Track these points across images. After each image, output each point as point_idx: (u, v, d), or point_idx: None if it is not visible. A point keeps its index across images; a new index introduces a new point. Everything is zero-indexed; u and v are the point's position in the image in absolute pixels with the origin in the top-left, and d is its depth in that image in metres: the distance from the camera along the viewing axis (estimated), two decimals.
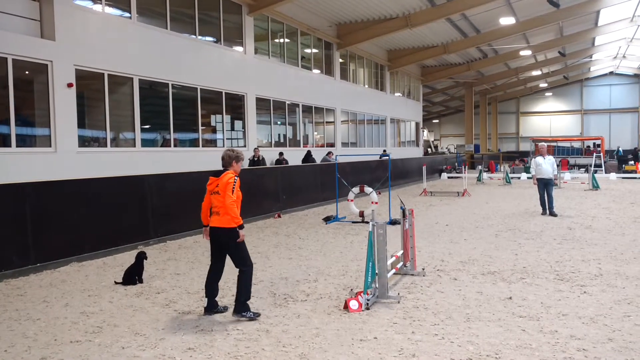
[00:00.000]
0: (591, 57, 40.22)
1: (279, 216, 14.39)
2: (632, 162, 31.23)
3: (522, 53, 31.35)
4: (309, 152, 20.53)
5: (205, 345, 5.01)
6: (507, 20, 24.31)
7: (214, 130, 17.06)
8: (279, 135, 20.72)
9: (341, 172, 15.35)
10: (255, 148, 17.10)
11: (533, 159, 14.77)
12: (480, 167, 30.21)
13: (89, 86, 13.17)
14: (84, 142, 12.82)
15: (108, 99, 13.00)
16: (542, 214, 13.77)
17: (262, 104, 19.05)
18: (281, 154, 18.52)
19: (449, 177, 30.62)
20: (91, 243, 9.26)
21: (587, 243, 9.85)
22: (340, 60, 24.68)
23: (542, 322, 5.48)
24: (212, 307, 5.92)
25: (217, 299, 6.03)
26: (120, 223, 9.96)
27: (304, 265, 8.35)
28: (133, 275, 7.36)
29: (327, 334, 5.23)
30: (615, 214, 13.88)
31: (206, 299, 5.95)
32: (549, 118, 52.37)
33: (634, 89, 49.15)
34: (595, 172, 24.61)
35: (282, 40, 20.52)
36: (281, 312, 5.96)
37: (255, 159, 16.85)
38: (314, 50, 22.81)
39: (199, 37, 16.04)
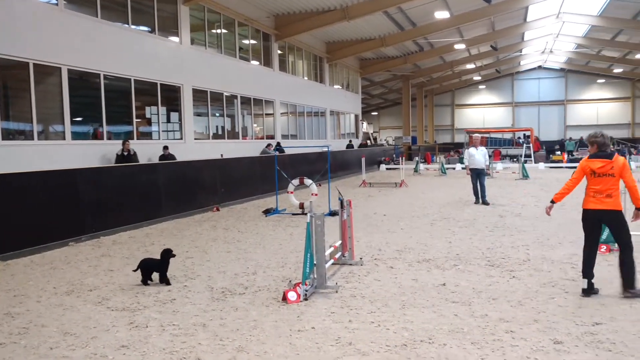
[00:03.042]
0: (521, 52, 41.82)
1: (218, 209, 14.20)
2: (559, 153, 32.81)
3: (456, 47, 32.20)
4: (278, 144, 21.73)
5: (140, 342, 4.89)
6: (441, 15, 24.90)
7: (149, 123, 16.59)
8: (217, 127, 20.41)
9: (281, 164, 15.32)
10: (124, 141, 14.23)
11: (466, 150, 15.24)
12: (417, 158, 30.93)
13: (13, 76, 12.50)
14: (8, 135, 12.18)
15: (34, 89, 12.37)
16: (475, 203, 14.24)
17: (200, 95, 18.69)
18: (166, 147, 15.46)
19: (387, 169, 31.17)
20: (17, 241, 8.83)
21: (517, 230, 10.27)
22: (279, 51, 24.54)
23: (474, 306, 5.67)
24: (591, 288, 5.91)
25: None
26: (49, 219, 9.54)
27: (242, 259, 8.29)
28: (150, 273, 6.85)
29: (265, 326, 5.21)
30: (543, 201, 14.51)
31: (586, 281, 5.92)
32: (482, 110, 54.12)
33: (561, 83, 51.53)
34: (526, 162, 25.68)
35: (219, 31, 20.17)
36: (219, 306, 5.89)
37: (125, 153, 13.91)
38: (252, 42, 22.57)
39: (132, 27, 15.52)
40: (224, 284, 6.79)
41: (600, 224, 6.20)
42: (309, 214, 6.30)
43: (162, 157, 15.41)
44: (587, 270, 5.96)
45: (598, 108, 50.62)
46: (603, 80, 49.58)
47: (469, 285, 6.47)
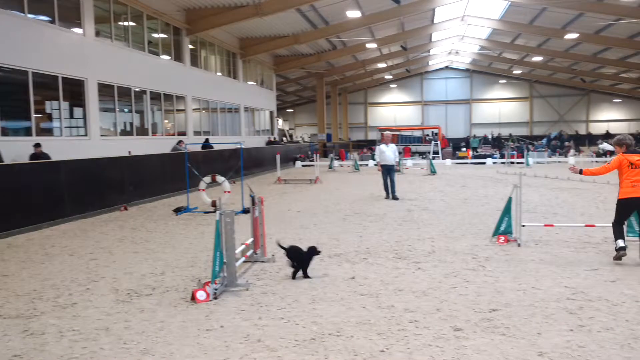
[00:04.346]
0: (429, 52, 43.47)
1: (125, 209, 13.67)
2: (464, 149, 34.45)
3: (368, 46, 32.93)
4: (207, 140, 21.64)
5: (35, 350, 4.60)
6: (353, 14, 25.39)
7: (50, 118, 15.66)
8: (125, 123, 19.61)
9: (194, 161, 14.98)
10: (35, 144, 13.41)
11: (377, 147, 15.64)
12: (331, 155, 31.37)
13: None
14: None
15: None
16: (385, 198, 14.65)
17: (106, 90, 17.87)
18: (38, 145, 13.47)
19: (303, 165, 31.36)
20: None
21: (424, 223, 10.67)
22: (191, 46, 23.98)
23: (381, 298, 5.83)
24: (625, 247, 6.97)
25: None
26: None
27: (150, 259, 8.03)
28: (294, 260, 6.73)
29: (172, 327, 5.08)
30: (448, 196, 15.19)
31: (621, 241, 7.04)
32: (394, 108, 55.77)
33: (466, 83, 54.12)
34: (434, 158, 26.75)
35: (126, 23, 19.38)
36: (123, 308, 5.67)
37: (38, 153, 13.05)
38: (162, 36, 21.89)
39: (29, 15, 14.56)
40: (130, 286, 6.55)
41: (634, 210, 7.36)
42: (218, 212, 6.21)
43: (33, 157, 13.25)
44: (621, 236, 7.10)
45: (500, 107, 53.68)
46: (504, 81, 52.60)
47: (377, 278, 6.64)
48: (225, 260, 6.22)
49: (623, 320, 5.03)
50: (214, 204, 12.80)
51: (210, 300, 5.83)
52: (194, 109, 24.92)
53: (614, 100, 51.60)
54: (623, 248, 7.03)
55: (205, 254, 8.17)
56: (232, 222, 6.30)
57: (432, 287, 6.19)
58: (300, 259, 6.75)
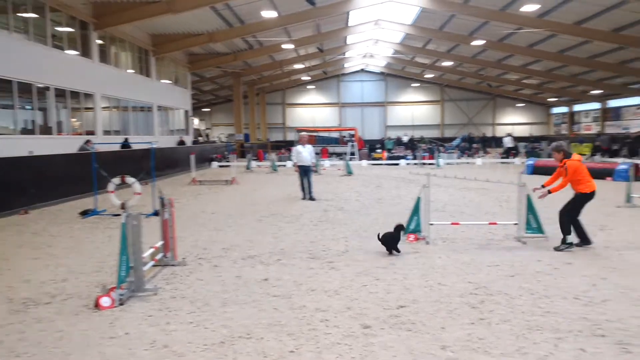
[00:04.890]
0: (344, 55, 44.16)
1: (26, 212, 12.83)
2: (380, 151, 35.32)
3: (284, 46, 32.93)
4: (126, 139, 20.68)
5: None
6: (269, 14, 25.30)
7: None
8: (26, 121, 18.41)
9: (102, 162, 14.30)
10: None
11: (294, 147, 15.68)
12: (249, 155, 31.10)
13: None
14: None
15: None
16: (302, 199, 14.71)
17: (4, 86, 16.69)
18: None
19: (219, 166, 30.86)
20: None
21: (339, 223, 10.81)
22: (100, 42, 22.93)
23: (293, 299, 5.84)
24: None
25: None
26: None
27: (52, 265, 7.58)
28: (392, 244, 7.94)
29: (72, 336, 4.82)
30: (363, 196, 15.49)
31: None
32: (312, 110, 56.18)
33: (381, 86, 55.50)
34: (351, 159, 27.20)
35: (26, 14, 18.20)
36: (18, 319, 5.31)
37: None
38: (68, 29, 20.77)
39: None
40: (26, 294, 6.14)
41: None
42: (123, 214, 5.96)
43: None
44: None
45: (413, 110, 55.49)
46: (417, 85, 54.43)
47: (290, 279, 6.64)
48: (132, 265, 5.99)
49: (519, 312, 5.33)
50: (123, 206, 12.28)
51: (116, 307, 5.58)
52: (103, 108, 23.85)
53: (517, 105, 54.82)
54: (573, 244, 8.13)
55: (113, 259, 7.81)
56: (139, 224, 6.08)
57: (344, 286, 6.28)
58: (391, 241, 8.01)
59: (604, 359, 4.28)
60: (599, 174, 18.09)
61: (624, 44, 26.24)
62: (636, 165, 18.42)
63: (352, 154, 33.06)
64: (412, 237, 8.77)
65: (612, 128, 42.84)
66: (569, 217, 8.23)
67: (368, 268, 7.11)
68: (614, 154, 32.52)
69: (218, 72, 41.46)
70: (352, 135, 37.43)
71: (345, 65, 50.87)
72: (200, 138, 48.61)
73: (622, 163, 20.14)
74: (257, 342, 4.61)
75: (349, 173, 23.27)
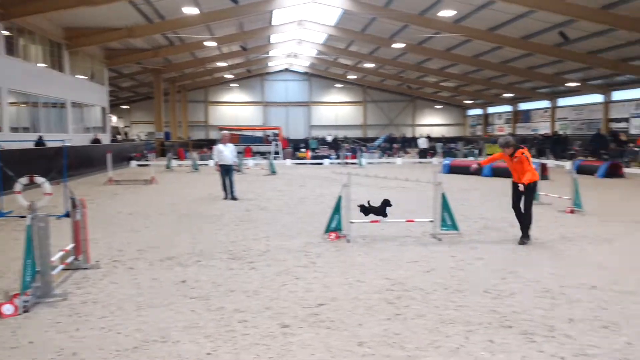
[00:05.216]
0: (268, 54, 44.04)
1: None
2: (304, 150, 35.50)
3: (206, 44, 32.37)
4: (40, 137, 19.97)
5: None
6: (190, 10, 24.76)
7: None
8: None
9: (8, 160, 13.45)
10: None
11: (215, 146, 15.44)
12: (170, 154, 30.30)
13: None
14: None
15: None
16: (224, 199, 14.50)
17: None
18: None
19: (138, 165, 29.85)
20: None
21: (261, 222, 10.75)
22: (6, 33, 21.54)
23: (211, 300, 5.73)
24: None
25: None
26: None
27: None
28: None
29: None
30: (287, 195, 15.50)
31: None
32: (235, 108, 55.59)
33: (305, 85, 55.84)
34: (275, 158, 27.14)
35: None
36: None
37: None
38: None
39: None
40: None
41: None
42: (28, 216, 5.63)
43: None
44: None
45: (337, 110, 56.24)
46: (341, 85, 55.19)
47: (209, 280, 6.52)
48: (39, 269, 5.66)
49: (434, 307, 5.52)
50: (30, 207, 11.60)
51: (19, 314, 5.26)
52: (10, 103, 22.43)
53: (436, 107, 56.86)
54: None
55: (18, 263, 7.33)
56: (46, 226, 5.77)
57: (264, 286, 6.24)
58: (373, 210, 9.31)
59: (510, 349, 4.50)
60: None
61: (532, 50, 27.87)
62: (542, 164, 19.63)
63: (276, 153, 33.02)
64: (333, 235, 8.87)
65: (523, 129, 45.37)
66: (531, 207, 8.68)
67: (289, 267, 7.11)
68: None
69: (138, 68, 40.14)
70: (276, 135, 37.37)
71: (270, 64, 50.75)
72: (118, 136, 46.90)
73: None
74: (173, 346, 4.49)
75: (273, 172, 23.21)
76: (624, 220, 10.84)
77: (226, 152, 14.61)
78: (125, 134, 52.22)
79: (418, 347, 4.52)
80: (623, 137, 28.74)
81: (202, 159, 30.35)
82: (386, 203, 9.35)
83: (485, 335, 4.79)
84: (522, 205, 8.66)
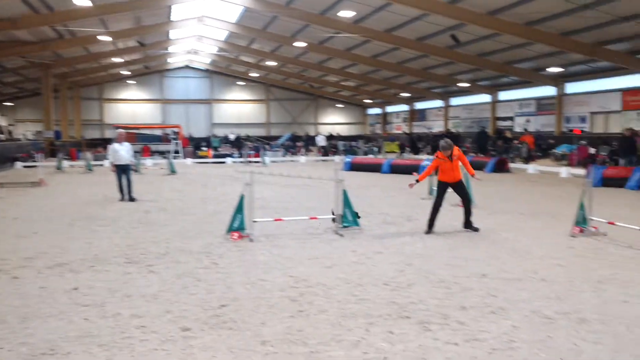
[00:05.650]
0: (167, 50, 42.67)
1: None
2: (205, 148, 34.83)
3: (100, 38, 30.75)
4: None
5: None
6: (82, 2, 23.40)
7: None
8: None
9: None
10: None
11: (111, 146, 14.74)
12: (60, 154, 28.49)
13: None
14: None
15: None
16: (120, 200, 13.88)
17: None
18: None
19: (25, 166, 27.80)
20: None
21: (160, 224, 10.39)
22: None
23: (107, 307, 5.46)
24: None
25: None
26: None
27: None
28: None
29: None
30: (187, 195, 15.12)
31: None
32: (132, 106, 53.31)
33: (207, 83, 54.67)
34: (175, 158, 26.37)
35: None
36: None
37: None
38: None
39: None
40: None
41: None
42: None
43: None
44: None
45: (240, 108, 55.61)
46: (243, 83, 54.63)
47: (104, 286, 6.20)
48: None
49: (336, 302, 5.62)
50: None
51: None
52: None
53: (337, 105, 57.90)
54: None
55: None
56: None
57: (163, 290, 6.04)
58: None
59: (408, 339, 4.68)
60: (407, 169, 19.90)
61: (426, 52, 29.16)
62: None
63: (176, 152, 32.15)
64: (236, 235, 8.76)
65: (419, 128, 47.37)
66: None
67: (189, 269, 6.94)
68: (418, 151, 36.17)
69: (23, 62, 37.27)
70: (176, 133, 36.38)
71: (169, 60, 49.18)
72: (1, 135, 43.51)
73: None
74: (63, 358, 4.22)
75: (173, 172, 22.56)
76: (510, 212, 11.65)
77: (122, 151, 14.00)
78: (9, 132, 48.45)
79: (321, 342, 4.58)
80: (508, 135, 30.84)
81: (96, 159, 28.83)
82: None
83: (384, 326, 4.94)
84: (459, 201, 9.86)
